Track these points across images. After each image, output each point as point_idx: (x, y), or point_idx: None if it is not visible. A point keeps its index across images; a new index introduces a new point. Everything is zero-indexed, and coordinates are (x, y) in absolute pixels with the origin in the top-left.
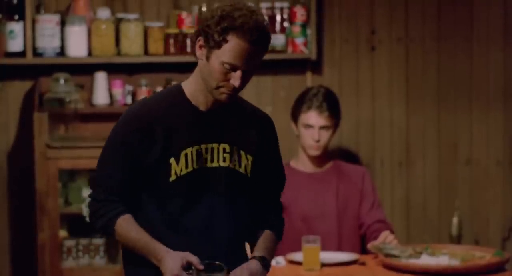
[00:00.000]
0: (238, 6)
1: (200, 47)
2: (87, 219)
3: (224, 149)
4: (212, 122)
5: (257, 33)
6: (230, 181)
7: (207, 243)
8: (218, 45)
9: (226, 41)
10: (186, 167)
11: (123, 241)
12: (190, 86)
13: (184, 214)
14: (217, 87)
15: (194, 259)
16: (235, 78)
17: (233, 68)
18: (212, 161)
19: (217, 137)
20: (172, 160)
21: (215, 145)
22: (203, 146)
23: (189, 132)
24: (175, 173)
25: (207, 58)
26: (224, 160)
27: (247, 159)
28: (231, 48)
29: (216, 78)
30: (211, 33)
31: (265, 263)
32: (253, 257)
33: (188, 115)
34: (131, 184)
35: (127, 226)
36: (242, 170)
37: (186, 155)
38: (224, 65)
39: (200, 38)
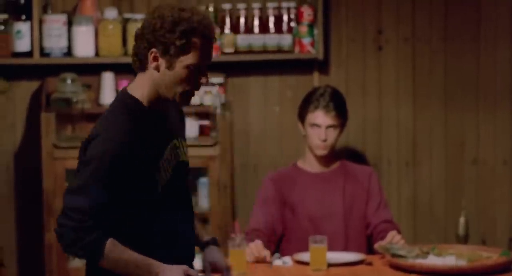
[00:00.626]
0: (181, 8)
1: (155, 58)
2: (63, 248)
3: (181, 142)
4: (164, 121)
5: (211, 27)
6: (186, 173)
7: (190, 246)
8: (183, 51)
9: (190, 44)
10: (166, 175)
11: (112, 265)
12: (143, 96)
13: (175, 221)
14: (183, 92)
15: (193, 272)
16: (204, 76)
17: (200, 68)
18: (179, 157)
19: (173, 134)
20: (156, 172)
21: (175, 142)
22: (171, 145)
23: (159, 140)
24: (161, 182)
25: (169, 67)
26: (185, 154)
27: (184, 146)
28: (197, 49)
29: (182, 84)
30: (170, 41)
31: (216, 241)
32: (207, 243)
33: (152, 124)
34: (111, 206)
35: (117, 249)
36: (187, 159)
37: (164, 161)
38: (189, 68)
39: (153, 50)
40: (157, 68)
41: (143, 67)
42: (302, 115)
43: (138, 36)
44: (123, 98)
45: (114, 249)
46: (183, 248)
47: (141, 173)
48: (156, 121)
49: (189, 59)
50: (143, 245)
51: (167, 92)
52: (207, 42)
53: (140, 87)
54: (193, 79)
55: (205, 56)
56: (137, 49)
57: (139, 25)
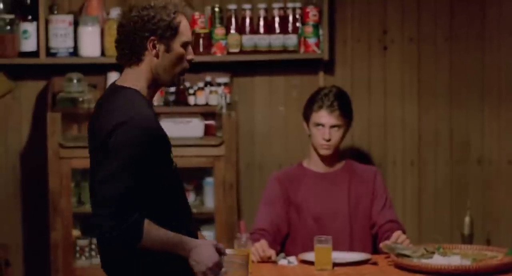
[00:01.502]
0: None
1: (154, 46)
2: (101, 238)
3: None
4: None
5: (182, 4)
6: None
7: (195, 225)
8: (176, 31)
9: (179, 23)
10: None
11: (149, 245)
12: (142, 87)
13: (186, 201)
14: (180, 72)
15: (221, 246)
16: (191, 52)
17: (188, 44)
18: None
19: None
20: (171, 153)
21: None
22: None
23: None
24: (172, 163)
25: (168, 50)
26: None
27: None
28: (184, 26)
29: (181, 63)
30: (164, 25)
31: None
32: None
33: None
34: (142, 189)
35: (153, 229)
36: None
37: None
38: (184, 46)
39: (152, 38)
40: (156, 55)
41: (137, 60)
42: (306, 115)
43: (130, 31)
44: (124, 90)
45: (151, 229)
46: (194, 227)
47: (164, 156)
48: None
49: (182, 37)
50: (168, 223)
51: (168, 75)
52: (187, 18)
53: (135, 80)
54: (186, 57)
55: (189, 31)
56: (130, 43)
57: None
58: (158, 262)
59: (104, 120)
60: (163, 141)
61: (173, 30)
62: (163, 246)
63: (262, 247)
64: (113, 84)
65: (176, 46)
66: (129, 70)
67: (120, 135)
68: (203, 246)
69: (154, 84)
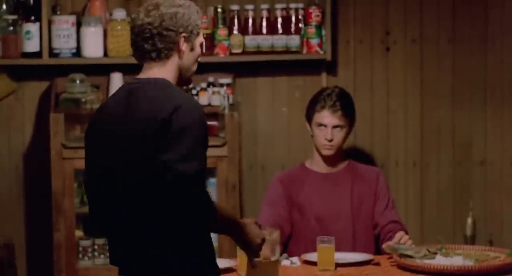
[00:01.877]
0: None
1: (182, 44)
2: (196, 211)
3: None
4: None
5: None
6: None
7: None
8: (199, 31)
9: (201, 24)
10: None
11: (219, 224)
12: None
13: None
14: (194, 71)
15: (259, 223)
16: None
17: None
18: None
19: None
20: None
21: None
22: None
23: None
24: None
25: (191, 49)
26: None
27: None
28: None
29: (196, 63)
30: (193, 23)
31: None
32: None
33: None
34: None
35: (219, 208)
36: None
37: None
38: (201, 46)
39: (183, 35)
40: (183, 52)
41: (164, 56)
42: (309, 115)
43: (161, 28)
44: (161, 80)
45: (220, 208)
46: None
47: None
48: None
49: (200, 37)
50: None
51: (188, 73)
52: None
53: (162, 75)
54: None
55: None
56: (160, 39)
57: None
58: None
59: (150, 107)
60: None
61: (198, 29)
62: (224, 226)
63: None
64: (139, 78)
65: (197, 46)
66: (154, 66)
67: (183, 117)
68: (251, 225)
69: (177, 80)
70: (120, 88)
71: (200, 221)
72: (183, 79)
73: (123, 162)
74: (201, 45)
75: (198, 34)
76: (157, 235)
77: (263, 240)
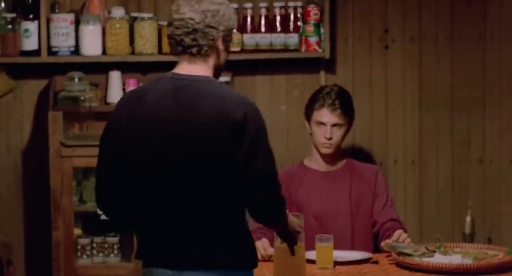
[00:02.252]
0: None
1: (222, 42)
2: (276, 212)
3: None
4: None
5: None
6: None
7: None
8: (235, 28)
9: None
10: None
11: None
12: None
13: None
14: None
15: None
16: None
17: None
18: None
19: None
20: None
21: None
22: None
23: None
24: None
25: (227, 47)
26: None
27: None
28: None
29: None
30: (233, 22)
31: None
32: None
33: None
34: None
35: None
36: None
37: None
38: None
39: (225, 34)
40: (220, 51)
41: (203, 53)
42: (308, 113)
43: (204, 24)
44: (215, 79)
45: None
46: None
47: None
48: None
49: (230, 38)
50: None
51: (221, 71)
52: None
53: (206, 72)
54: None
55: None
56: (201, 36)
57: (146, 24)
58: None
59: (217, 109)
60: None
61: (234, 29)
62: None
63: (263, 246)
64: (181, 74)
65: (230, 45)
66: (194, 62)
67: (257, 121)
68: (290, 215)
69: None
70: (159, 81)
71: (277, 220)
72: (216, 76)
73: (186, 161)
74: None
75: (231, 34)
76: (217, 232)
77: (301, 228)
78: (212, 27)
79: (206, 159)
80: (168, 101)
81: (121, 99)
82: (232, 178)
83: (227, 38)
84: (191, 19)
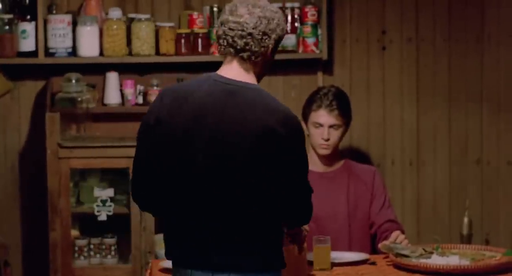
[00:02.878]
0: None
1: (271, 51)
2: (307, 215)
3: None
4: None
5: None
6: None
7: None
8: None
9: None
10: None
11: None
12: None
13: None
14: None
15: None
16: None
17: None
18: None
19: None
20: None
21: None
22: None
23: None
24: None
25: (273, 56)
26: None
27: None
28: None
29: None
30: (283, 33)
31: None
32: None
33: None
34: None
35: None
36: None
37: None
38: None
39: (274, 42)
40: (269, 58)
41: (254, 59)
42: (305, 115)
43: (259, 31)
44: (256, 87)
45: None
46: None
47: None
48: None
49: (278, 46)
50: None
51: (262, 78)
52: None
53: (250, 79)
54: None
55: None
56: (254, 42)
57: (143, 25)
58: None
59: (262, 116)
60: None
61: (282, 39)
62: None
63: None
64: (229, 78)
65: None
66: (242, 67)
67: (298, 134)
68: None
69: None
70: (203, 81)
71: (304, 222)
72: (258, 80)
73: (225, 167)
74: None
75: (280, 43)
76: (250, 236)
77: (306, 228)
78: (266, 34)
79: (244, 168)
80: (216, 106)
81: (165, 95)
82: (268, 186)
83: (276, 47)
84: (247, 23)
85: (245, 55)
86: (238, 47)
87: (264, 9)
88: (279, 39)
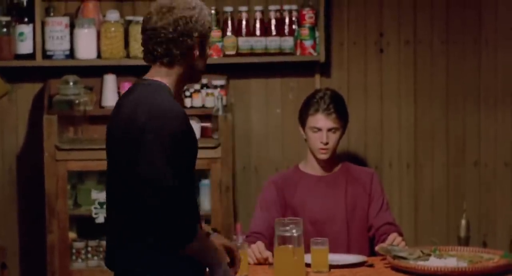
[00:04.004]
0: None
1: (197, 48)
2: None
3: None
4: None
5: None
6: None
7: None
8: (211, 30)
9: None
10: None
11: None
12: (169, 83)
13: None
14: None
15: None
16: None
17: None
18: None
19: None
20: None
21: None
22: None
23: None
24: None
25: (204, 51)
26: None
27: None
28: None
29: (207, 58)
30: (208, 26)
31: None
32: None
33: None
34: None
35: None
36: None
37: None
38: (210, 47)
39: (199, 39)
40: (196, 56)
41: (177, 62)
42: (302, 119)
43: (176, 32)
44: (153, 81)
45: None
46: None
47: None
48: None
49: (209, 38)
50: None
51: (198, 73)
52: None
53: (168, 79)
54: None
55: None
56: (174, 45)
57: (140, 27)
58: None
59: (130, 112)
60: None
61: (210, 31)
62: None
63: (258, 249)
64: (144, 78)
65: (207, 48)
66: (164, 70)
67: (156, 126)
68: (220, 247)
69: (183, 83)
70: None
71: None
72: (193, 79)
73: (113, 166)
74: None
75: (209, 36)
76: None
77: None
78: (185, 35)
79: (122, 165)
80: (115, 108)
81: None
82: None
83: (204, 43)
84: (163, 28)
85: (165, 60)
86: (159, 55)
87: (180, 9)
88: (204, 34)
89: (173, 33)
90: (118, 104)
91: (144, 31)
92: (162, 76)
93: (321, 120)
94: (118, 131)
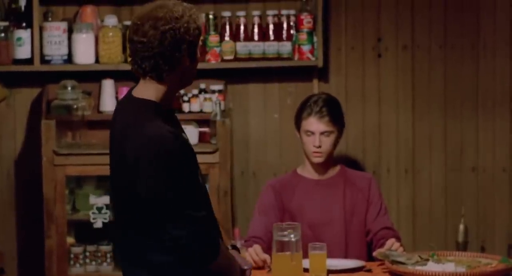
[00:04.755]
0: (177, 3)
1: (186, 58)
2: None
3: None
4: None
5: None
6: None
7: None
8: (200, 35)
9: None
10: None
11: None
12: (158, 96)
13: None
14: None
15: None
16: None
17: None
18: None
19: None
20: None
21: None
22: None
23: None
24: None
25: (194, 59)
26: None
27: None
28: None
29: (198, 63)
30: (197, 34)
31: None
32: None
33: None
34: None
35: None
36: None
37: None
38: (199, 54)
39: (185, 51)
40: (186, 65)
41: (165, 76)
42: (297, 123)
43: (164, 48)
44: (141, 101)
45: None
46: None
47: None
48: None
49: (199, 41)
50: None
51: (189, 80)
52: None
53: (157, 93)
54: None
55: None
56: (162, 60)
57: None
58: None
59: (121, 139)
60: None
61: (200, 37)
62: None
63: (255, 251)
64: (133, 92)
65: (197, 53)
66: (153, 83)
67: (143, 151)
68: (236, 255)
69: (174, 91)
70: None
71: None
72: (185, 84)
73: (117, 181)
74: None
75: (199, 39)
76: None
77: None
78: (175, 46)
79: (124, 184)
80: (112, 122)
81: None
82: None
83: (193, 49)
84: (151, 41)
85: (154, 74)
86: (146, 69)
87: (167, 19)
88: (193, 41)
89: (160, 47)
90: (114, 118)
91: (131, 41)
92: (151, 92)
93: (314, 124)
94: (115, 156)
